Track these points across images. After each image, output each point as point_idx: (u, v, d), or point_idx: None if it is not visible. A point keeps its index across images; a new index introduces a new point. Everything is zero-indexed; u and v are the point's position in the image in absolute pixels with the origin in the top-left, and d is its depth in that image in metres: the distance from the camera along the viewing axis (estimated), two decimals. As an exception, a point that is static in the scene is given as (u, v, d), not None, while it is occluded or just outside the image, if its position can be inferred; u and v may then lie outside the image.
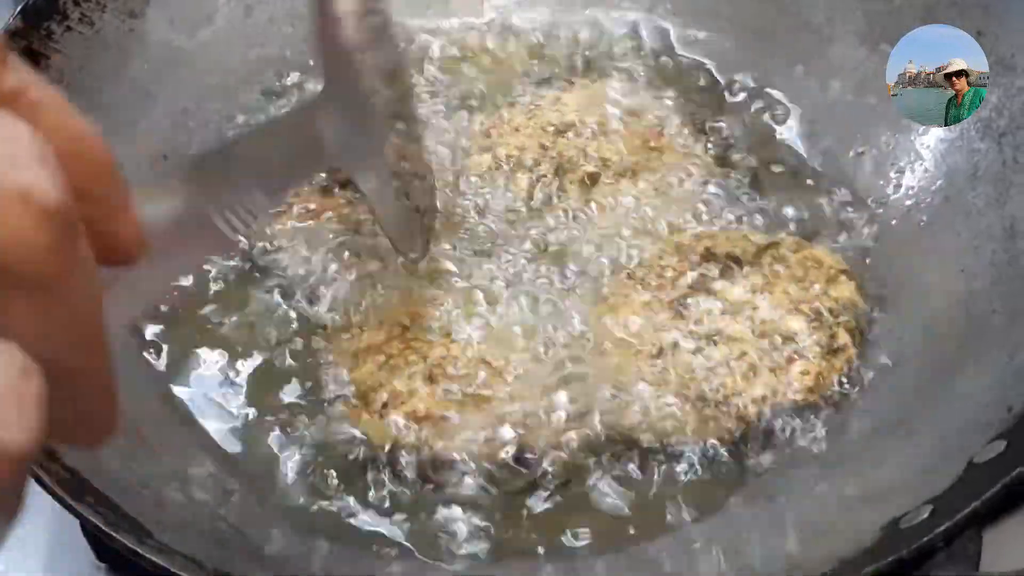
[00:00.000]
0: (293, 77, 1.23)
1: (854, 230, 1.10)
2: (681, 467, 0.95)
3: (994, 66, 1.04)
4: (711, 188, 1.12)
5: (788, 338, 0.98)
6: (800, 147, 1.16)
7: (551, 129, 1.14)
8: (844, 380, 0.98)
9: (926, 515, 0.81)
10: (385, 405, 0.95)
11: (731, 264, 1.03)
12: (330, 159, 0.89)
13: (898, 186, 1.12)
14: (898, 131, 1.13)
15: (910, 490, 0.85)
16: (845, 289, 1.02)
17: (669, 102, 1.18)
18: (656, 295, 1.01)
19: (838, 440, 0.97)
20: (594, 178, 1.11)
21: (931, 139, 1.11)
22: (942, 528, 0.78)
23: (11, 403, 0.38)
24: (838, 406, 0.98)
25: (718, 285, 1.01)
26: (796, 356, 0.97)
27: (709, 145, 1.15)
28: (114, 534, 0.78)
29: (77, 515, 0.79)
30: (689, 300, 1.01)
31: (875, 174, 1.13)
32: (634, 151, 1.13)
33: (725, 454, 0.95)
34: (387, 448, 0.95)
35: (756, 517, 0.93)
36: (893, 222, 1.10)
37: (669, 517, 0.93)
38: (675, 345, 0.98)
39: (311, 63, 1.21)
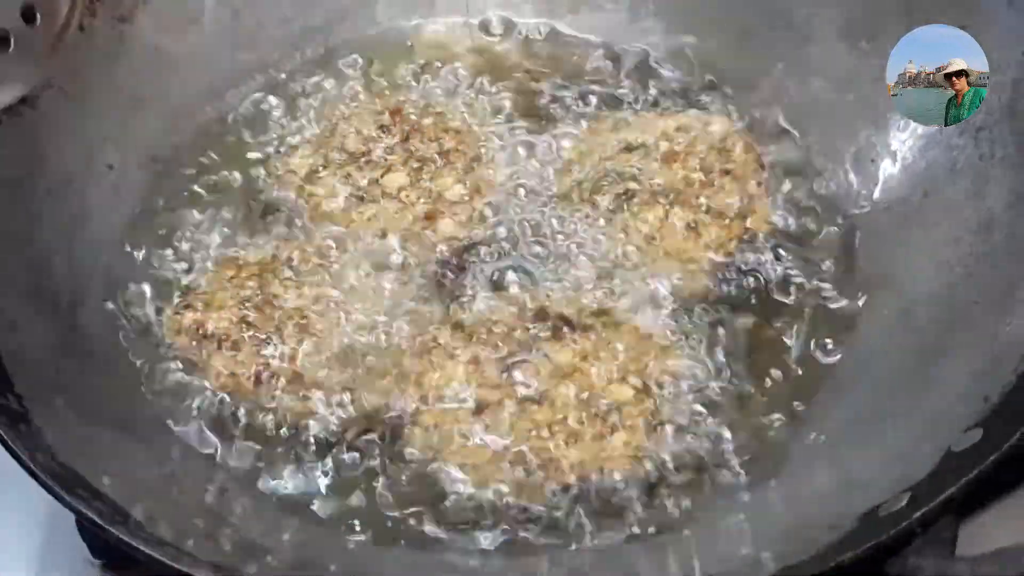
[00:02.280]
0: (281, 78, 1.26)
1: (836, 224, 1.12)
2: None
3: (972, 62, 1.06)
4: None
5: (613, 407, 0.97)
6: (782, 143, 1.18)
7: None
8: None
9: (904, 503, 0.82)
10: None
11: (562, 326, 1.02)
12: None
13: (879, 181, 1.14)
14: (879, 128, 1.15)
15: (889, 479, 0.87)
16: (674, 361, 1.02)
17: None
18: (484, 351, 1.00)
19: (818, 431, 0.99)
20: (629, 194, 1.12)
21: (911, 135, 1.13)
22: (919, 515, 0.79)
23: None
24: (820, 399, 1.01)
25: (547, 346, 1.00)
26: (619, 427, 0.96)
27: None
28: (107, 527, 0.79)
29: (72, 509, 0.80)
30: (518, 359, 1.00)
31: (857, 170, 1.15)
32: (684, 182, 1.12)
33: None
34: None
35: (740, 509, 0.96)
36: (874, 216, 1.12)
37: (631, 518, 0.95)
38: (499, 403, 0.97)
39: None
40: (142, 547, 0.78)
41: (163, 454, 0.96)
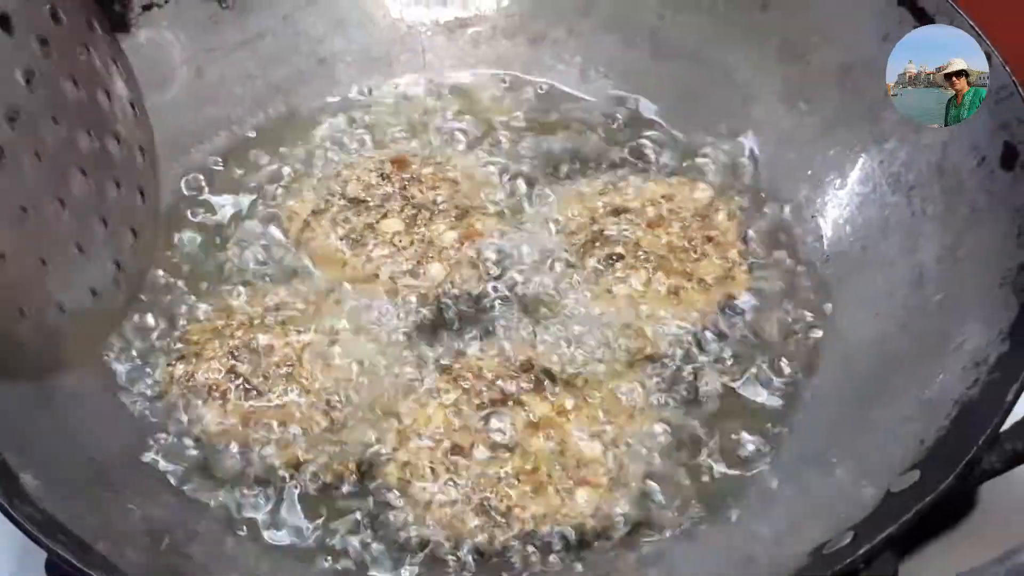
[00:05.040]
0: (242, 133, 1.29)
1: (775, 279, 1.16)
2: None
3: (903, 125, 1.12)
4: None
5: (582, 463, 1.00)
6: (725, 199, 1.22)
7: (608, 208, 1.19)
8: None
9: (848, 541, 0.87)
10: None
11: (544, 379, 1.05)
12: None
13: (817, 237, 1.18)
14: (816, 186, 1.20)
15: (833, 519, 0.91)
16: (644, 424, 1.04)
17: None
18: (466, 395, 1.03)
19: (763, 476, 1.02)
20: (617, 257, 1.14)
21: (847, 193, 1.18)
22: (862, 552, 0.83)
23: None
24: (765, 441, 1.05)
25: (527, 398, 1.03)
26: (585, 482, 0.99)
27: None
28: (86, 569, 0.81)
29: (51, 552, 0.82)
30: (497, 406, 1.02)
31: (795, 226, 1.20)
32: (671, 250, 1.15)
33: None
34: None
35: (690, 552, 0.98)
36: (813, 271, 1.16)
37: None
38: (472, 447, 1.00)
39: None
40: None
41: (144, 499, 0.97)
